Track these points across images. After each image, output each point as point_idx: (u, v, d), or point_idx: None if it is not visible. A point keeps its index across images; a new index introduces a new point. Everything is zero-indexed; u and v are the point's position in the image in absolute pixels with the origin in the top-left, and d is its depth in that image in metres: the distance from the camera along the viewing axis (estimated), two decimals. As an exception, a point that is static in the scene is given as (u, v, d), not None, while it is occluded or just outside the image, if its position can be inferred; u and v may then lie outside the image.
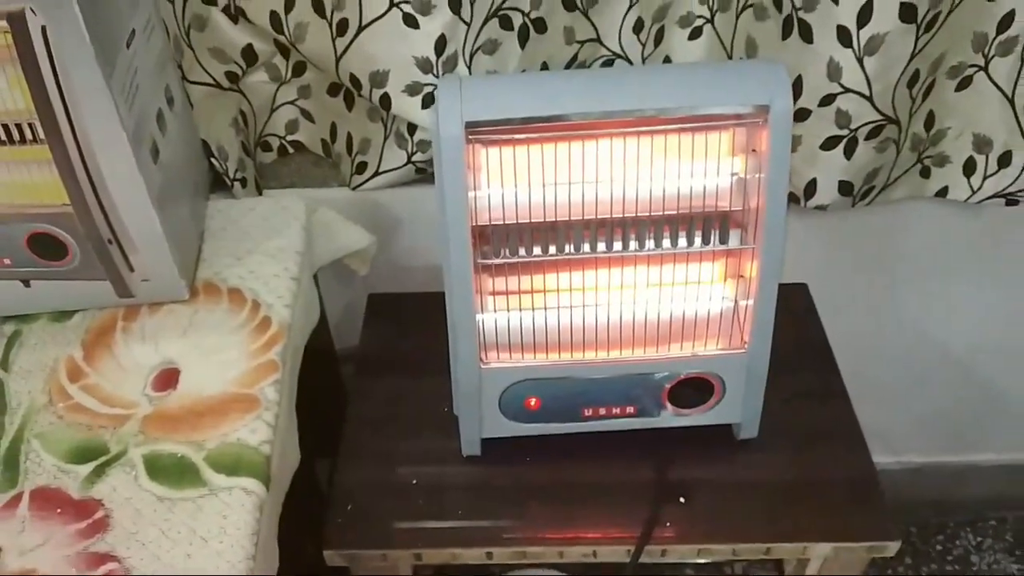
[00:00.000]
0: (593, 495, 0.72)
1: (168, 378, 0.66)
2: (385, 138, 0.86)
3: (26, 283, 0.69)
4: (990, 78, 0.82)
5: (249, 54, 0.84)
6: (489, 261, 0.64)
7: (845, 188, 0.86)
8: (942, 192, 0.90)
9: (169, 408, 0.64)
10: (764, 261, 0.64)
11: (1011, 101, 0.83)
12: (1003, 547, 1.27)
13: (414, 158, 0.86)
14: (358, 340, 0.89)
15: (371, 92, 0.80)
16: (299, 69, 0.87)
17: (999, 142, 0.86)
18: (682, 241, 0.65)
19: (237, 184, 0.86)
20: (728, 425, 0.74)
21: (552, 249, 0.65)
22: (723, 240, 0.65)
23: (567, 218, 0.63)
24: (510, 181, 0.62)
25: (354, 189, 0.91)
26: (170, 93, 0.72)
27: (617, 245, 0.64)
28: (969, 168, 0.88)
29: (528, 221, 0.63)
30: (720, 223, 0.65)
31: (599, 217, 0.64)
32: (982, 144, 0.86)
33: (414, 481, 0.73)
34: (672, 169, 0.62)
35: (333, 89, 0.87)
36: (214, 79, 0.83)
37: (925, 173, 0.90)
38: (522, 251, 0.65)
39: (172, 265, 0.69)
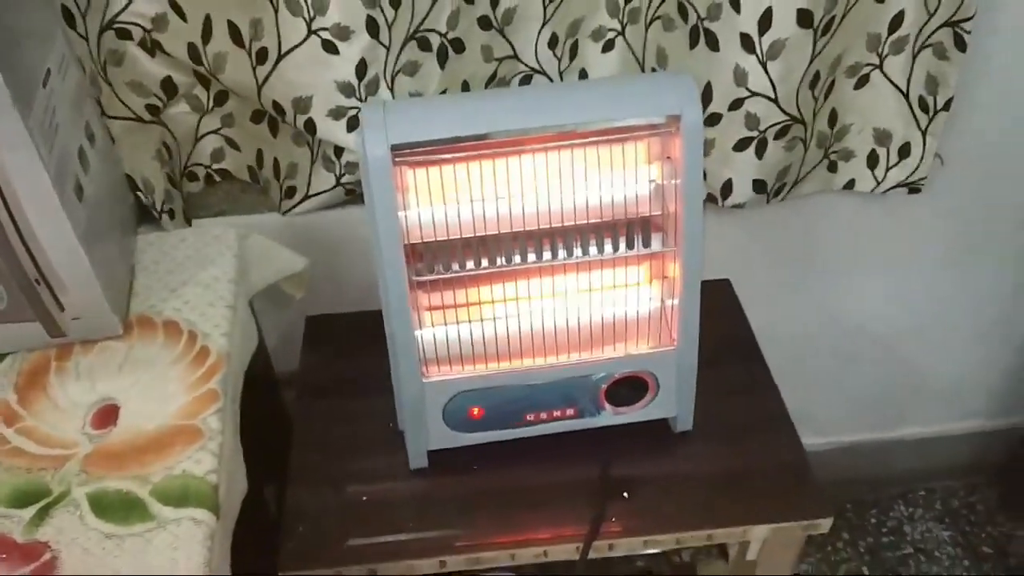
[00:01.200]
0: (540, 497, 0.74)
1: (107, 415, 0.66)
2: (312, 162, 0.87)
3: (-48, 330, 0.67)
4: (885, 75, 0.87)
5: (169, 86, 0.84)
6: (424, 278, 0.66)
7: (759, 186, 0.90)
8: (849, 184, 0.95)
9: (110, 445, 0.64)
10: (686, 261, 0.67)
11: (906, 96, 0.88)
12: (933, 515, 1.34)
13: (343, 180, 0.87)
14: (298, 363, 0.89)
15: (295, 118, 0.80)
16: (221, 98, 0.87)
17: (898, 135, 0.91)
18: (608, 247, 0.67)
19: (165, 216, 0.85)
20: (665, 420, 0.77)
21: (484, 262, 0.67)
22: (646, 244, 0.68)
23: (496, 231, 0.65)
24: (439, 199, 0.64)
25: (284, 214, 0.91)
26: (90, 130, 0.71)
27: (546, 255, 0.67)
28: (872, 161, 0.93)
29: (459, 237, 0.65)
30: (642, 228, 0.67)
31: (527, 229, 0.66)
32: (883, 137, 0.91)
33: (364, 498, 0.74)
34: (594, 179, 0.65)
35: (256, 116, 0.87)
36: (134, 113, 0.83)
37: (832, 168, 0.94)
38: (455, 266, 0.66)
39: (103, 302, 0.68)
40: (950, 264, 1.08)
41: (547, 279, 0.69)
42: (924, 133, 0.89)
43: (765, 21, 0.78)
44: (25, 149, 0.58)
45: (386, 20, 0.75)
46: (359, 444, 0.79)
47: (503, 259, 0.67)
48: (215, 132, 0.90)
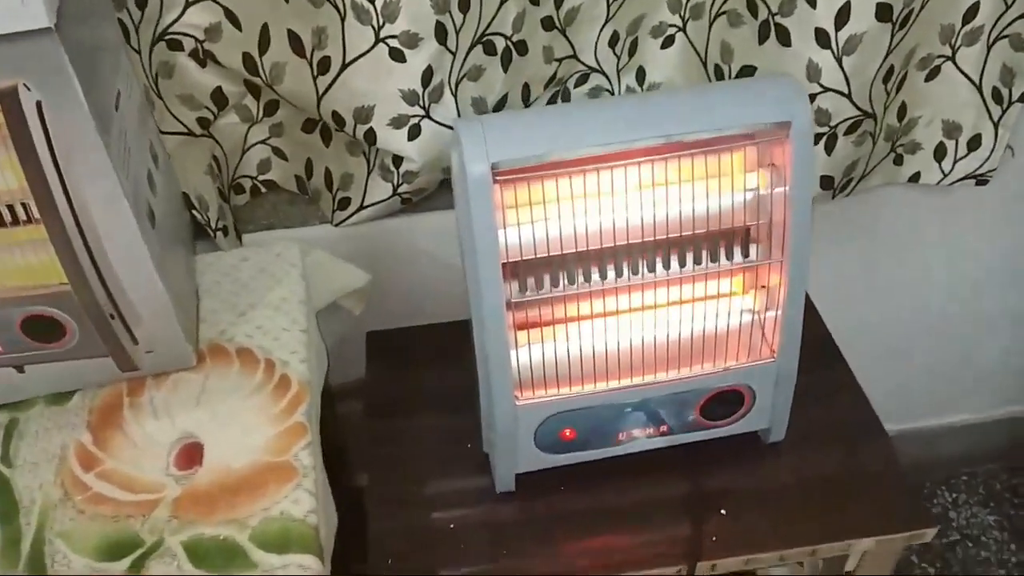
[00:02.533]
0: (632, 518, 0.71)
1: (191, 453, 0.63)
2: (369, 172, 0.83)
3: (19, 369, 0.64)
4: (957, 66, 0.85)
5: (219, 97, 0.80)
6: (522, 298, 0.63)
7: (826, 183, 0.88)
8: (915, 177, 0.93)
9: (199, 486, 0.61)
10: (792, 271, 0.64)
11: (979, 87, 0.86)
12: (977, 500, 1.33)
13: (400, 190, 0.84)
14: (347, 375, 0.86)
15: (355, 128, 0.77)
16: (271, 108, 0.83)
17: (968, 126, 0.89)
18: (705, 260, 0.65)
19: (219, 234, 0.82)
20: (755, 431, 0.75)
21: (580, 279, 0.64)
22: (745, 255, 0.65)
23: (598, 246, 0.62)
24: (535, 216, 0.61)
25: (337, 225, 0.88)
26: (154, 150, 0.68)
27: (644, 271, 0.64)
28: (940, 153, 0.91)
29: (555, 254, 0.62)
30: (742, 238, 0.65)
31: (623, 243, 0.63)
32: (952, 130, 0.89)
33: (451, 525, 0.71)
34: (688, 190, 0.62)
35: (308, 126, 0.83)
36: (186, 127, 0.79)
37: (898, 160, 0.92)
38: (551, 285, 0.63)
39: (179, 331, 0.65)
40: (1013, 254, 1.06)
41: (637, 294, 0.66)
42: (996, 125, 0.87)
43: (843, 15, 0.75)
44: (107, 180, 0.54)
45: (455, 25, 0.72)
46: (438, 466, 0.76)
47: (599, 276, 0.64)
48: (263, 142, 0.86)
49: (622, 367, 0.67)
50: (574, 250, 0.62)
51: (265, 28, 0.74)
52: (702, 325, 0.68)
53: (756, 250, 0.66)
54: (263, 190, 0.90)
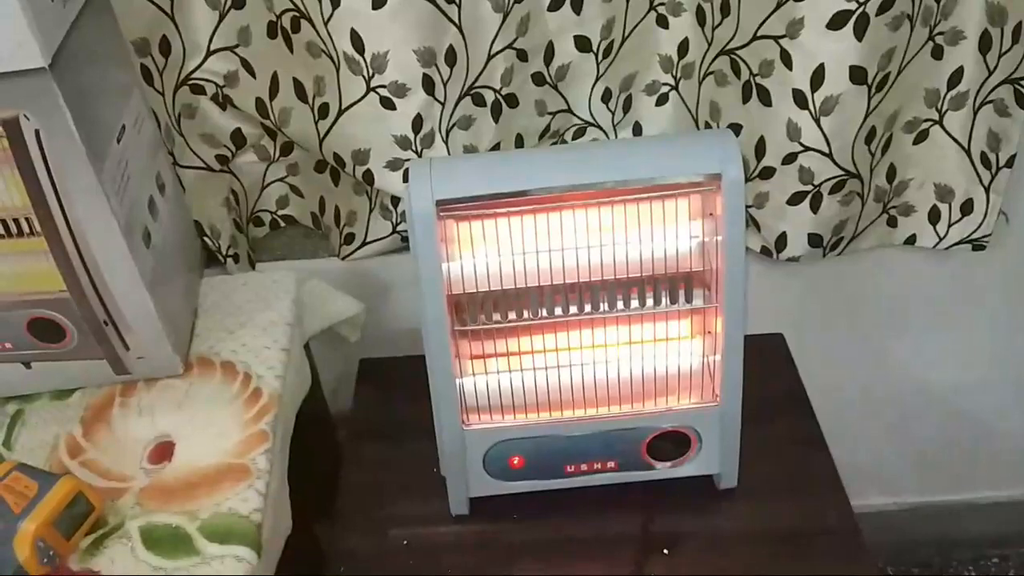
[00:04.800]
0: (580, 549, 0.74)
1: (164, 451, 0.69)
2: (371, 210, 0.90)
3: (27, 365, 0.72)
4: (945, 130, 0.86)
5: (238, 137, 0.88)
6: (466, 328, 0.67)
7: (815, 240, 0.89)
8: (911, 240, 0.93)
9: (164, 480, 0.67)
10: (728, 317, 0.66)
11: (967, 151, 0.86)
12: (1006, 585, 1.27)
13: (399, 228, 0.90)
14: (350, 404, 0.92)
15: (354, 169, 0.84)
16: (287, 149, 0.91)
17: (960, 190, 0.89)
18: (649, 301, 0.68)
19: (230, 260, 0.89)
20: (709, 475, 0.76)
21: (526, 314, 0.68)
22: (688, 299, 0.68)
23: (539, 284, 0.67)
24: (482, 252, 0.65)
25: (343, 259, 0.94)
26: (161, 180, 0.76)
27: (588, 308, 0.68)
28: (934, 216, 0.91)
29: (501, 288, 0.66)
30: (685, 283, 0.68)
31: (568, 282, 0.67)
32: (944, 193, 0.90)
33: (405, 542, 0.75)
34: (635, 235, 0.66)
35: (319, 166, 0.91)
36: (205, 163, 0.88)
37: (892, 222, 0.93)
38: (497, 317, 0.68)
39: (166, 342, 0.72)
40: (1015, 322, 1.04)
41: (587, 331, 0.70)
42: (987, 190, 0.87)
43: (818, 78, 0.78)
44: (97, 200, 0.62)
45: (441, 78, 0.78)
46: (404, 488, 0.80)
47: (544, 311, 0.68)
48: (281, 180, 0.94)
49: (565, 400, 0.70)
50: (516, 286, 0.66)
51: (275, 76, 0.82)
52: (651, 366, 0.71)
53: (702, 296, 0.69)
54: (282, 224, 0.98)
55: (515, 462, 0.73)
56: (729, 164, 0.62)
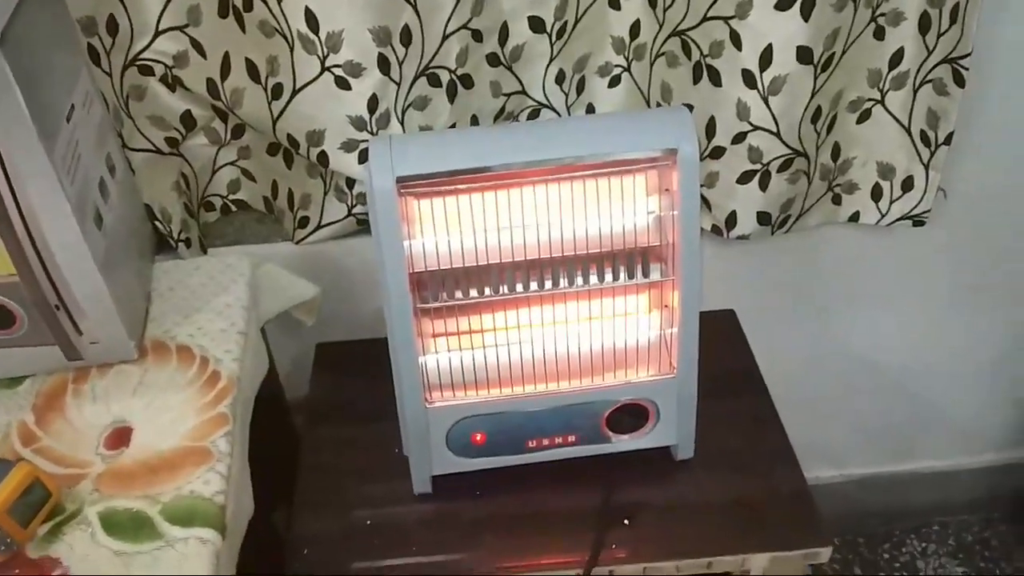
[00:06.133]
0: (542, 523, 0.75)
1: (121, 436, 0.68)
2: (325, 193, 0.89)
3: (-26, 353, 0.70)
4: (887, 110, 0.89)
5: (188, 120, 0.87)
6: (427, 305, 0.68)
7: (763, 218, 0.92)
8: (854, 217, 0.96)
9: (123, 465, 0.66)
10: (684, 290, 0.68)
11: (908, 130, 0.89)
12: (947, 551, 1.32)
13: (354, 211, 0.90)
14: (307, 390, 0.91)
15: (309, 150, 0.83)
16: (238, 132, 0.90)
17: (901, 168, 0.92)
18: (608, 276, 0.69)
19: (182, 245, 0.88)
20: (667, 448, 0.78)
21: (487, 291, 0.68)
22: (645, 274, 0.69)
23: (499, 261, 0.67)
24: (443, 229, 0.66)
25: (297, 243, 0.94)
26: (111, 161, 0.74)
27: (548, 284, 0.68)
28: (876, 194, 0.94)
29: (462, 266, 0.67)
30: (642, 258, 0.69)
31: (529, 259, 0.68)
32: (886, 171, 0.93)
33: (368, 522, 0.75)
34: (594, 210, 0.67)
35: (272, 148, 0.90)
36: (154, 145, 0.86)
37: (836, 200, 0.96)
38: (458, 294, 0.68)
39: (120, 327, 0.71)
40: (956, 296, 1.08)
41: (548, 307, 0.71)
42: (927, 167, 0.91)
43: (766, 58, 0.80)
44: (48, 181, 0.61)
45: (397, 58, 0.78)
46: (365, 469, 0.80)
47: (505, 287, 0.68)
48: (232, 164, 0.93)
49: (526, 375, 0.71)
50: (478, 263, 0.67)
51: (226, 56, 0.81)
52: (610, 340, 0.72)
53: (660, 270, 0.70)
54: (233, 208, 0.96)
55: (477, 438, 0.73)
56: (684, 139, 0.63)
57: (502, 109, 0.89)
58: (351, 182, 0.88)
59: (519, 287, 0.69)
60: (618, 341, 0.72)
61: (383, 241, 0.64)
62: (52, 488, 0.62)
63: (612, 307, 0.71)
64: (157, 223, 0.86)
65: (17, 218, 0.62)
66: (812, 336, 1.12)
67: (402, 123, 0.82)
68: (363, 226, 0.92)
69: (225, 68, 0.82)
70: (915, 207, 0.94)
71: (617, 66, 0.90)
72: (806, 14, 0.76)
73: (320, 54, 0.76)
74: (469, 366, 0.70)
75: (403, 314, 0.67)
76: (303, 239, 0.93)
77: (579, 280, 0.69)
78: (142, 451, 0.67)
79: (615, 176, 0.65)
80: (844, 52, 0.82)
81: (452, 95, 0.84)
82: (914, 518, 1.35)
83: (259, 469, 0.74)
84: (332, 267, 0.97)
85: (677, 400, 0.73)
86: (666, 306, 0.71)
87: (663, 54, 0.86)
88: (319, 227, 0.92)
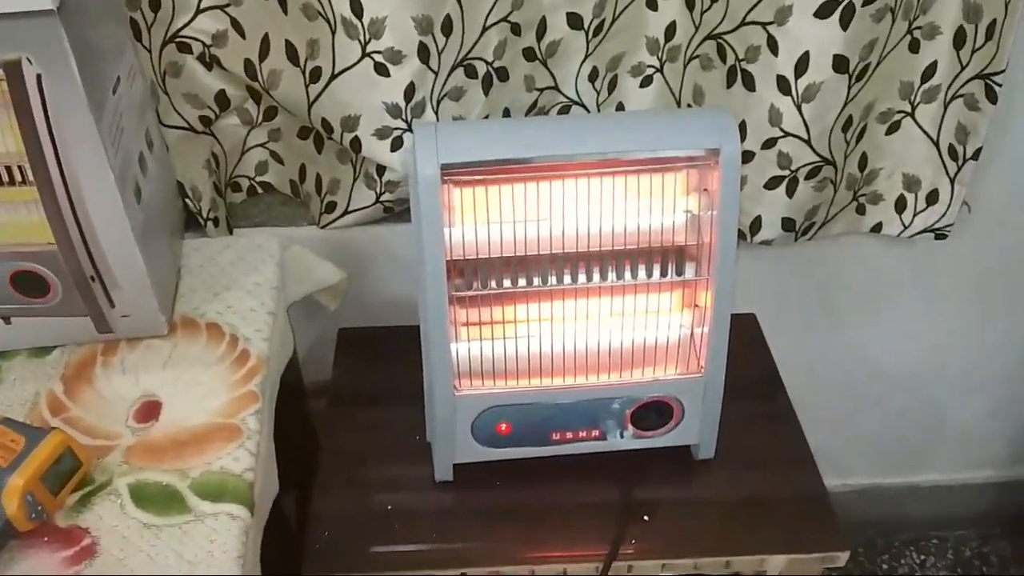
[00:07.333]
0: (561, 515, 0.75)
1: (150, 410, 0.68)
2: (354, 179, 0.90)
3: (7, 320, 0.70)
4: (916, 122, 0.90)
5: (222, 99, 0.87)
6: (463, 293, 0.68)
7: (788, 224, 0.92)
8: (876, 228, 0.97)
9: (152, 439, 0.66)
10: (717, 291, 0.69)
11: (936, 143, 0.90)
12: (945, 565, 1.33)
13: (382, 198, 0.90)
14: (325, 375, 0.91)
15: (342, 135, 0.83)
16: (270, 113, 0.90)
17: (927, 181, 0.93)
18: (641, 273, 0.69)
19: (210, 223, 0.88)
20: (687, 446, 0.79)
21: (521, 281, 0.69)
22: (679, 272, 0.70)
23: (535, 252, 0.68)
24: (483, 218, 0.66)
25: (323, 227, 0.94)
26: (150, 137, 0.75)
27: (582, 278, 0.69)
28: (900, 205, 0.95)
29: (499, 256, 0.67)
30: (676, 256, 0.70)
31: (565, 252, 0.68)
32: (911, 183, 0.93)
33: (388, 507, 0.76)
34: (632, 207, 0.67)
35: (303, 132, 0.90)
36: (188, 123, 0.86)
37: (860, 210, 0.96)
38: (493, 283, 0.68)
39: (153, 301, 0.71)
40: (973, 311, 1.09)
41: (581, 301, 0.71)
42: (953, 181, 0.91)
43: (802, 65, 0.80)
44: (94, 151, 0.61)
45: (437, 47, 0.78)
46: (386, 455, 0.80)
47: (540, 279, 0.69)
48: (261, 146, 0.93)
49: (555, 367, 0.71)
50: (515, 253, 0.67)
51: (266, 37, 0.81)
52: (640, 336, 0.72)
53: (694, 269, 0.71)
54: (259, 191, 0.96)
55: (503, 428, 0.74)
56: (727, 140, 0.64)
57: (534, 104, 0.89)
58: (381, 169, 0.88)
59: (552, 279, 0.69)
60: (648, 338, 0.72)
61: (424, 228, 0.64)
62: (83, 458, 0.62)
63: (644, 304, 0.71)
64: (187, 200, 0.86)
65: (60, 186, 0.62)
66: (824, 344, 1.12)
67: (436, 112, 0.83)
68: (389, 214, 0.92)
69: (264, 49, 0.82)
70: (938, 220, 0.94)
71: (650, 66, 0.91)
72: (845, 23, 0.77)
73: (362, 39, 0.76)
74: (500, 356, 0.70)
75: (438, 300, 0.67)
76: (329, 223, 0.93)
77: (612, 275, 0.69)
78: (171, 425, 0.67)
79: (655, 173, 0.66)
80: (879, 63, 0.83)
81: (487, 87, 0.84)
82: (913, 531, 1.36)
83: (281, 449, 0.74)
84: (356, 253, 0.97)
85: (703, 400, 0.74)
86: (697, 305, 0.72)
87: (697, 56, 0.87)
88: (346, 212, 0.92)
